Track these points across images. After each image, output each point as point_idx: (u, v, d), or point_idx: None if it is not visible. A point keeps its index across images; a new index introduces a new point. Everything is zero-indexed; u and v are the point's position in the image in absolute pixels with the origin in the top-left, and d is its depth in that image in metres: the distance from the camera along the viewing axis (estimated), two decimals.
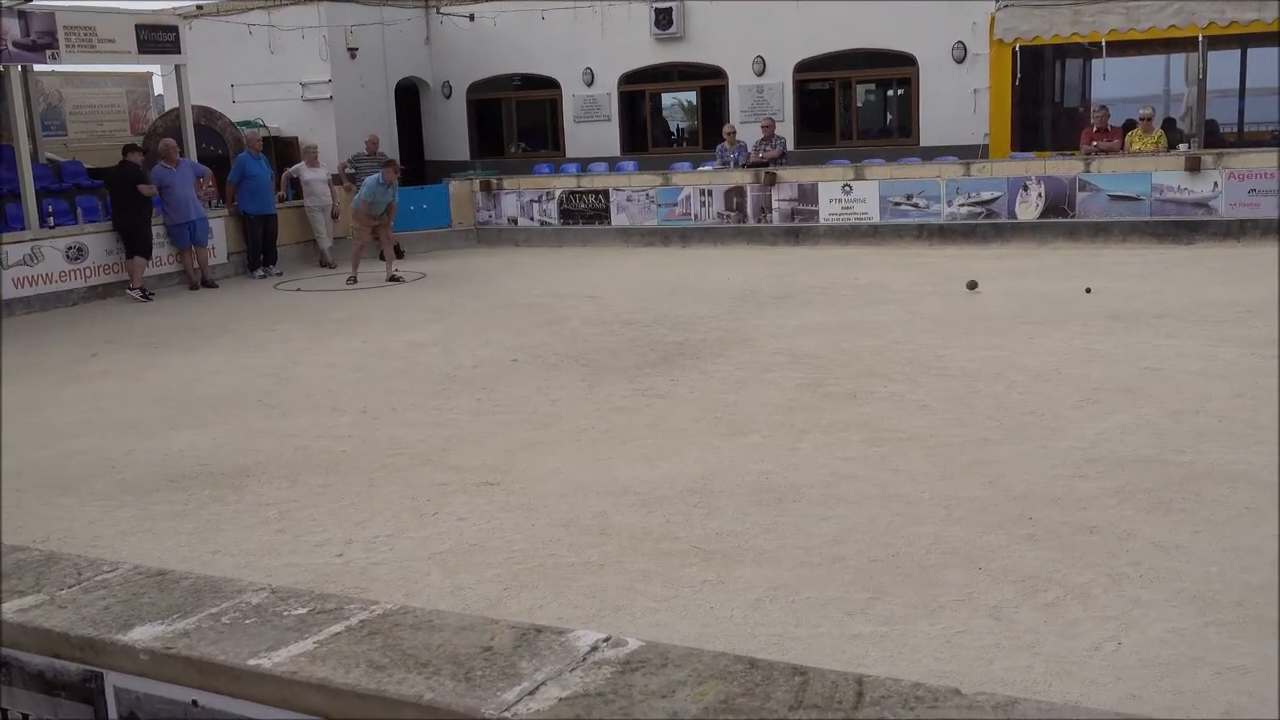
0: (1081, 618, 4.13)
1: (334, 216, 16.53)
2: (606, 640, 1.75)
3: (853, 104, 19.90)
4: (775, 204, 16.17)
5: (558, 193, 17.69)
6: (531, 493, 5.87)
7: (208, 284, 14.76)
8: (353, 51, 19.74)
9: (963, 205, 15.17)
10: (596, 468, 6.24)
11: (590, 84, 20.57)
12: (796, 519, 5.27)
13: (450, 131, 21.85)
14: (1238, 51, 18.74)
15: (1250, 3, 15.63)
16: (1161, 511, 5.16)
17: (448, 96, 21.71)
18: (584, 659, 1.70)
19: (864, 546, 4.88)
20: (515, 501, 5.74)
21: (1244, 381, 7.35)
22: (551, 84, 21.01)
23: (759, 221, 16.31)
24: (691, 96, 21.64)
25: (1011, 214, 14.96)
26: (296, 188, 16.70)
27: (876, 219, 15.57)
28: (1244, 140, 18.22)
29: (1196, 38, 16.25)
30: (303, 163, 16.66)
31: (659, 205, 16.97)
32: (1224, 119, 19.29)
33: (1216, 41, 16.82)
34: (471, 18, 20.25)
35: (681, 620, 4.27)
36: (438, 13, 21.00)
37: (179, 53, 15.71)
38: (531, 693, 1.62)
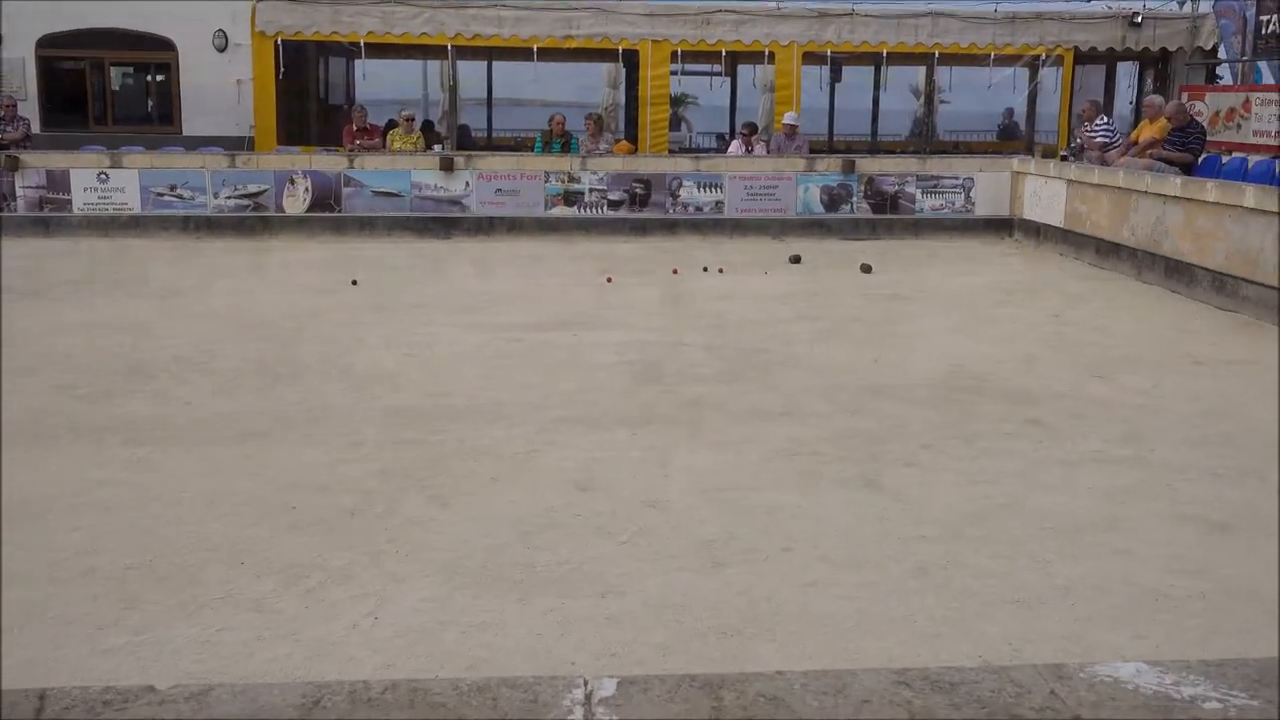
0: (342, 598, 4.25)
1: None
2: None
3: (108, 87, 18.68)
4: (20, 191, 14.70)
5: None
6: None
7: None
8: None
9: (230, 197, 14.91)
10: None
11: None
12: (45, 534, 4.84)
13: None
14: (485, 63, 20.45)
15: (491, 18, 17.11)
16: (419, 489, 5.46)
17: None
18: None
19: (119, 554, 4.61)
20: None
21: (489, 364, 8.04)
22: None
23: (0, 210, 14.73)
24: None
25: (279, 207, 14.99)
26: None
27: (138, 209, 14.77)
28: (494, 145, 19.97)
29: (447, 47, 17.46)
30: None
31: None
32: (476, 124, 21.02)
33: (466, 52, 18.20)
34: None
35: None
36: None
37: None
38: None
